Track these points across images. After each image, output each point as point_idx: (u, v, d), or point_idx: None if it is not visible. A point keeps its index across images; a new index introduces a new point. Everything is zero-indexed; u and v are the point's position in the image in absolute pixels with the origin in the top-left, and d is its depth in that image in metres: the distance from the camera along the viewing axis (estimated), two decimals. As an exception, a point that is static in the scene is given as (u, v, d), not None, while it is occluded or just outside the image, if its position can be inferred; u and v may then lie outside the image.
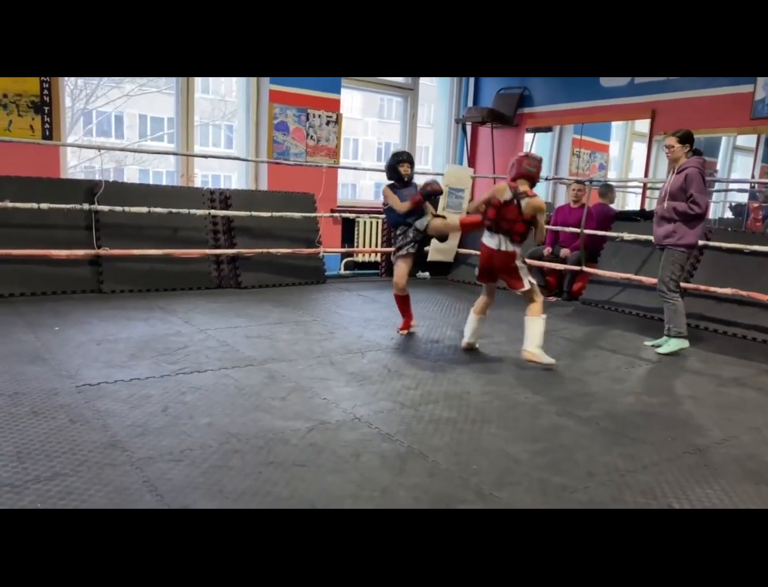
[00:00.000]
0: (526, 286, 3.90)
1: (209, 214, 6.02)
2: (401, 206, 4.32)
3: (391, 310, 5.36)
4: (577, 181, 6.66)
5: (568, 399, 3.28)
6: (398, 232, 4.45)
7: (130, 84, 19.52)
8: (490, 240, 3.96)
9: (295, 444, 2.53)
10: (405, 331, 4.50)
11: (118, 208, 5.40)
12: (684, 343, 4.38)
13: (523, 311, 3.99)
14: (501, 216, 3.84)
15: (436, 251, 7.36)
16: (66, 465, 2.21)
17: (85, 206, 5.32)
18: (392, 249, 4.53)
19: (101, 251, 5.39)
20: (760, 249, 4.99)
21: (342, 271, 7.45)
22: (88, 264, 5.45)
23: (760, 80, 5.86)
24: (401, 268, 4.38)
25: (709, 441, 2.80)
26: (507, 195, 3.83)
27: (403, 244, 4.38)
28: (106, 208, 5.38)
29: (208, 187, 6.41)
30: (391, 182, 4.48)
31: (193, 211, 5.79)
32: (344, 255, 7.44)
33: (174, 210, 5.65)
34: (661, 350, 4.40)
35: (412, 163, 4.47)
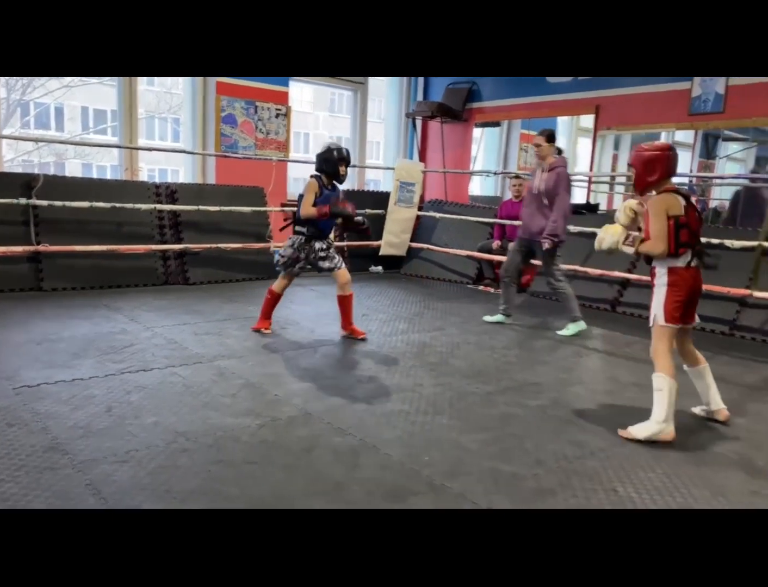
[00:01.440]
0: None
1: (155, 208, 5.85)
2: (307, 210, 3.93)
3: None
4: (516, 176, 6.77)
5: (518, 389, 3.34)
6: (295, 231, 4.08)
7: (70, 74, 18.82)
8: (688, 263, 2.84)
9: (246, 442, 2.49)
10: (268, 330, 4.22)
11: (58, 203, 5.20)
12: (581, 326, 4.69)
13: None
14: (694, 232, 2.83)
15: (388, 245, 7.37)
16: (2, 471, 2.11)
17: (23, 201, 5.10)
18: (324, 244, 4.08)
19: (41, 247, 5.18)
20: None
21: (293, 266, 7.36)
22: (27, 261, 5.23)
23: (697, 78, 6.07)
24: (282, 283, 4.19)
25: (651, 426, 2.89)
26: (681, 202, 2.83)
27: (292, 259, 4.04)
28: (45, 202, 5.16)
29: (154, 181, 6.23)
30: (319, 174, 4.07)
31: (138, 205, 5.62)
32: (296, 250, 7.36)
33: (118, 204, 5.46)
34: (562, 332, 4.69)
35: (348, 164, 4.10)
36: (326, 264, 4.08)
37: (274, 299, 4.25)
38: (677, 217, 2.77)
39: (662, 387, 2.76)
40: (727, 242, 4.98)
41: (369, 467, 2.33)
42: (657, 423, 2.73)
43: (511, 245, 4.94)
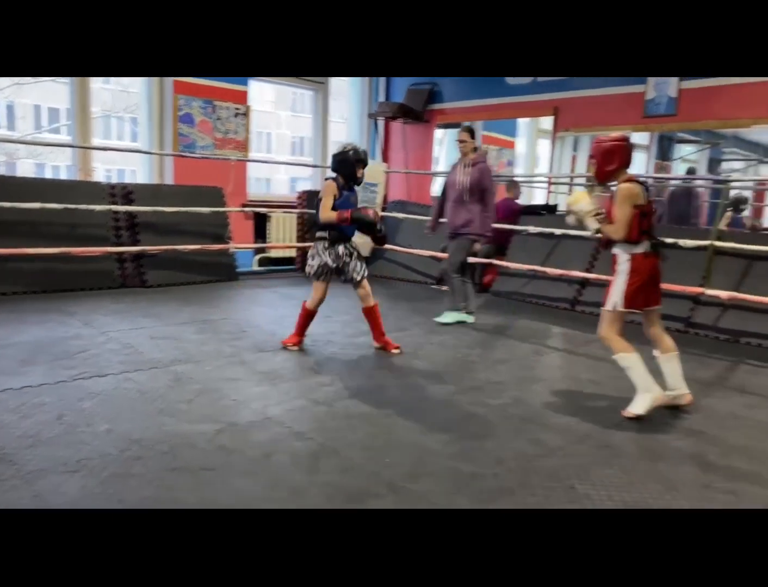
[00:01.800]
0: None
1: (110, 209, 5.71)
2: (326, 215, 3.74)
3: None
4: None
5: (479, 389, 3.35)
6: (316, 237, 3.90)
7: (21, 71, 18.22)
8: (647, 250, 3.00)
9: (203, 448, 2.43)
10: (295, 347, 3.95)
11: (7, 204, 5.01)
12: (463, 317, 4.96)
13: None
14: (650, 220, 3.00)
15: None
16: (-57, 484, 2.02)
17: (-31, 202, 4.90)
18: (309, 247, 3.98)
19: (-12, 250, 4.99)
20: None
21: (255, 268, 7.28)
22: (-26, 264, 5.04)
23: (651, 81, 6.22)
24: (319, 290, 3.91)
25: (609, 424, 2.94)
26: (643, 192, 2.98)
27: (321, 266, 3.84)
28: (-8, 203, 4.98)
29: (109, 182, 6.07)
30: (336, 176, 3.85)
31: (92, 206, 5.47)
32: (257, 251, 7.28)
33: (71, 205, 5.30)
34: (439, 318, 4.91)
35: (365, 165, 3.87)
36: (350, 273, 3.90)
37: (308, 315, 3.96)
38: (642, 205, 2.94)
39: (629, 365, 3.00)
40: (681, 241, 5.11)
41: (329, 471, 2.30)
42: (644, 394, 2.95)
43: (449, 245, 5.02)
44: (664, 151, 7.03)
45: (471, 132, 4.95)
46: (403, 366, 3.71)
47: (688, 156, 7.19)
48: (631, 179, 3.01)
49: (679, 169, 7.07)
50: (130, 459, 2.29)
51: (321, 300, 3.93)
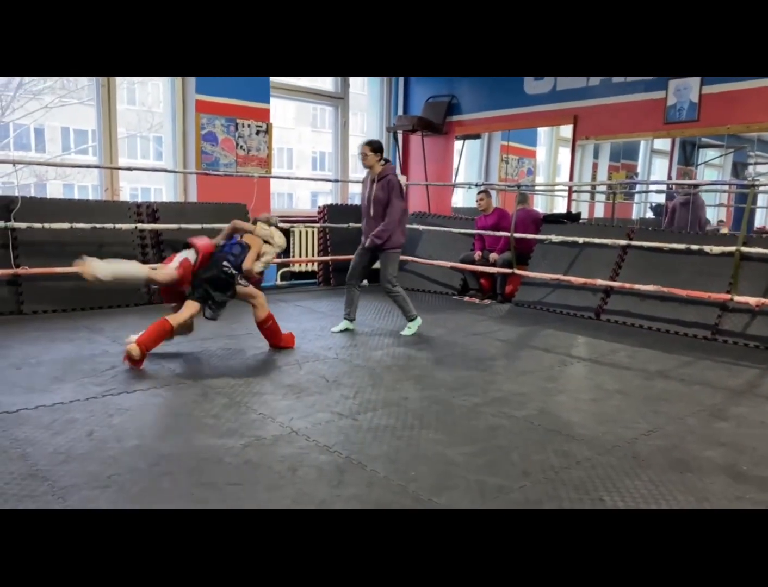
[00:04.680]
0: None
1: (136, 228, 5.82)
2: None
3: (328, 320, 5.33)
4: (479, 192, 6.88)
5: (503, 400, 3.34)
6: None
7: (49, 95, 18.71)
8: None
9: (229, 462, 2.46)
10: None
11: (38, 225, 5.15)
12: (418, 322, 4.99)
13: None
14: None
15: (372, 259, 7.37)
16: (-20, 501, 2.07)
17: (1, 223, 5.04)
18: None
19: (20, 270, 5.12)
20: (677, 247, 5.24)
21: (278, 282, 7.35)
22: (6, 284, 5.16)
23: (672, 86, 6.18)
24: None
25: (637, 434, 2.90)
26: None
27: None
28: (23, 225, 5.11)
29: (135, 201, 6.20)
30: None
31: (118, 225, 5.59)
32: (280, 265, 7.35)
33: (98, 225, 5.43)
34: (404, 332, 4.90)
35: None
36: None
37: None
38: None
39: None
40: (707, 248, 5.04)
41: (354, 484, 2.31)
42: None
43: (357, 250, 5.00)
44: (687, 156, 6.96)
45: (372, 145, 4.81)
46: (426, 378, 3.71)
47: (711, 161, 7.11)
48: None
49: (703, 175, 6.99)
50: (159, 475, 2.33)
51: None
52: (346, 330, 4.92)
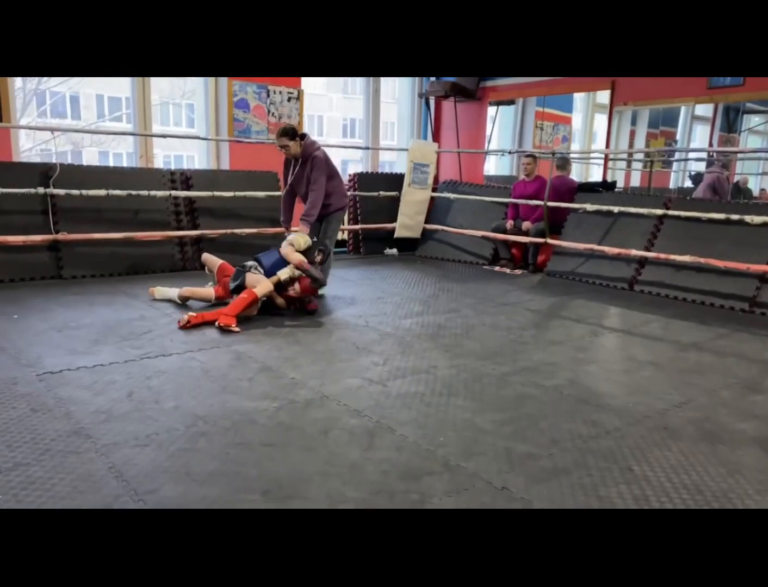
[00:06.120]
0: None
1: (170, 195, 5.90)
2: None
3: (358, 288, 5.36)
4: (529, 155, 6.72)
5: (533, 369, 3.34)
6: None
7: (84, 62, 18.84)
8: None
9: (263, 424, 2.53)
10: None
11: (75, 192, 5.26)
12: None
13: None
14: None
15: (403, 227, 7.36)
16: (28, 455, 2.18)
17: (41, 190, 5.16)
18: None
19: (59, 236, 5.25)
20: (716, 216, 5.11)
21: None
22: (47, 249, 5.31)
23: (716, 49, 5.93)
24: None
25: (668, 405, 2.89)
26: None
27: None
28: (62, 191, 5.22)
29: (169, 168, 6.27)
30: None
31: (153, 192, 5.67)
32: (311, 233, 7.37)
33: (134, 192, 5.52)
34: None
35: None
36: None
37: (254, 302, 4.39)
38: None
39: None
40: (747, 218, 4.91)
41: (384, 448, 2.35)
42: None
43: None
44: (729, 122, 6.71)
45: (288, 134, 4.68)
46: (455, 346, 3.73)
47: (756, 127, 6.85)
48: None
49: (747, 142, 6.74)
50: (195, 435, 2.41)
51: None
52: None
